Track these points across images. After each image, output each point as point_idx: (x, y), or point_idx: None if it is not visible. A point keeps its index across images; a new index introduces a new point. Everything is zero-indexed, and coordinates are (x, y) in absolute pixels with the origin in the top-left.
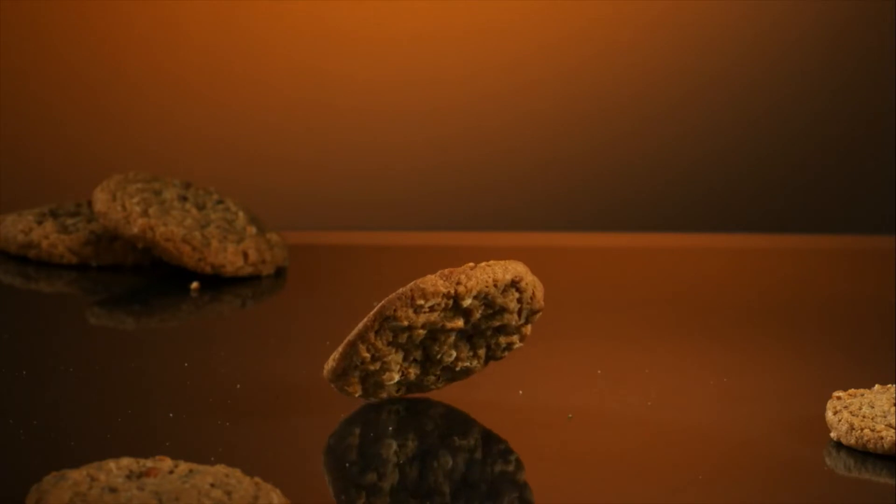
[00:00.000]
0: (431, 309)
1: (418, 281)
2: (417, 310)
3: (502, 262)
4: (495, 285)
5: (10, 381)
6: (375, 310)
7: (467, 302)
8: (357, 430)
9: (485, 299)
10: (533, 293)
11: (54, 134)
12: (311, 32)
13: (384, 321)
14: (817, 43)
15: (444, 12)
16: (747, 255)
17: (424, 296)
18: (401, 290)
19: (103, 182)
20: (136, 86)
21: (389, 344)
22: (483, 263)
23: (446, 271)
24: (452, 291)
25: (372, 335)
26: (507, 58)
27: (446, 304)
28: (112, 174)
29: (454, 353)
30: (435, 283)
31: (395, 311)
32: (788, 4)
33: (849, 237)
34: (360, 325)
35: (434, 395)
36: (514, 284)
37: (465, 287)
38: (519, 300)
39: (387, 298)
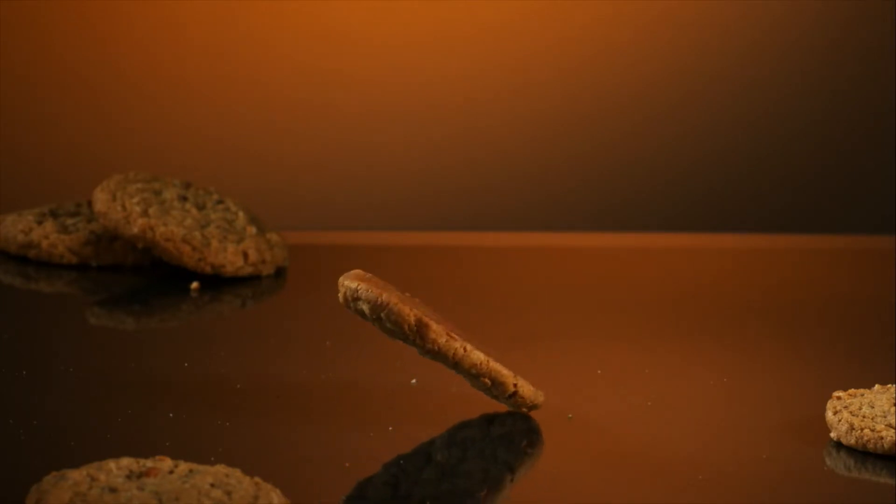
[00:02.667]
0: (391, 328)
1: (397, 305)
2: (379, 319)
3: (493, 364)
4: (455, 364)
5: (10, 381)
6: (371, 282)
7: (424, 354)
8: (357, 429)
9: (448, 363)
10: (510, 397)
11: (54, 134)
12: (311, 32)
13: (359, 294)
14: (817, 43)
15: (444, 13)
16: (747, 255)
17: (389, 316)
18: (389, 295)
19: (103, 182)
20: (136, 86)
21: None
22: (472, 347)
23: (427, 321)
24: (413, 338)
25: (347, 294)
26: (506, 58)
27: (409, 337)
28: (112, 174)
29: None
30: (405, 316)
31: (364, 297)
32: (788, 4)
33: (849, 237)
34: (368, 285)
35: (435, 393)
36: (481, 381)
37: (422, 344)
38: (490, 388)
39: (380, 287)
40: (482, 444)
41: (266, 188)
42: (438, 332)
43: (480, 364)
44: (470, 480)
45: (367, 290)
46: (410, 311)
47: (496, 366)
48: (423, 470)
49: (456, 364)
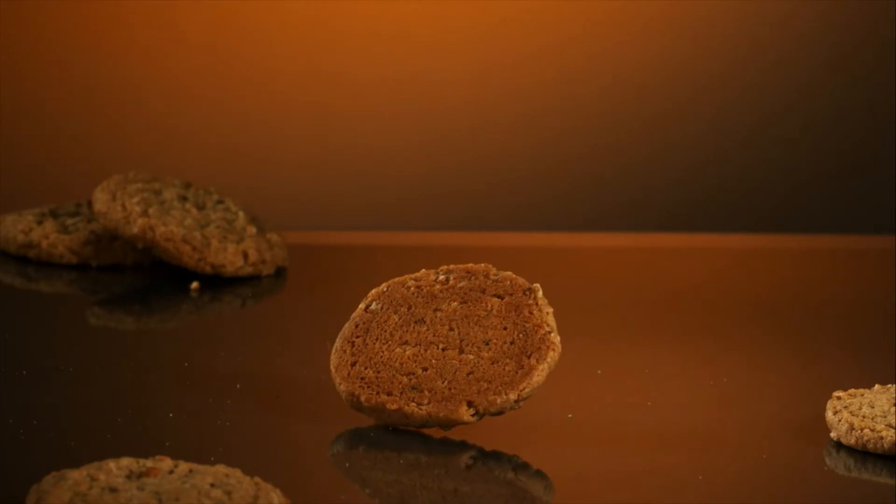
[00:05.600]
0: None
1: (339, 382)
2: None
3: (438, 416)
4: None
5: (10, 381)
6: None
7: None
8: (357, 429)
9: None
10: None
11: (54, 134)
12: (311, 32)
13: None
14: (818, 43)
15: (445, 13)
16: (747, 255)
17: (338, 388)
18: (340, 370)
19: (103, 182)
20: (136, 86)
21: None
22: (412, 408)
23: (359, 400)
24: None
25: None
26: (506, 58)
27: None
28: (112, 174)
29: None
30: (345, 395)
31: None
32: (789, 4)
33: (849, 237)
34: (341, 343)
35: None
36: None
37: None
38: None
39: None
40: (484, 442)
41: (266, 188)
42: (369, 410)
43: (427, 421)
44: (470, 478)
45: (332, 357)
46: (346, 388)
47: (443, 413)
48: (422, 468)
49: (406, 425)
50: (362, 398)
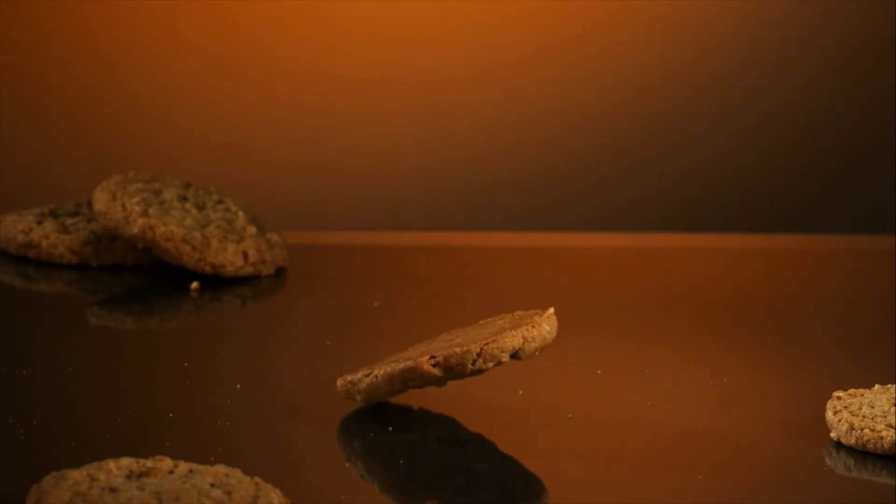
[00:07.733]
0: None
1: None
2: None
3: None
4: (404, 387)
5: (10, 381)
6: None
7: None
8: (357, 430)
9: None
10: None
11: (54, 134)
12: (311, 32)
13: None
14: (818, 43)
15: (445, 12)
16: (747, 255)
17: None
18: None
19: (103, 182)
20: (136, 86)
21: None
22: (381, 367)
23: (353, 390)
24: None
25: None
26: (506, 58)
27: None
28: (112, 174)
29: None
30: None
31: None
32: (789, 4)
33: (849, 237)
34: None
35: (435, 394)
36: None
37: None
38: (458, 369)
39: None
40: (484, 443)
41: (266, 188)
42: (350, 385)
43: (392, 382)
44: (470, 479)
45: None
46: (341, 380)
47: (404, 364)
48: (423, 468)
49: (405, 387)
50: (347, 377)
